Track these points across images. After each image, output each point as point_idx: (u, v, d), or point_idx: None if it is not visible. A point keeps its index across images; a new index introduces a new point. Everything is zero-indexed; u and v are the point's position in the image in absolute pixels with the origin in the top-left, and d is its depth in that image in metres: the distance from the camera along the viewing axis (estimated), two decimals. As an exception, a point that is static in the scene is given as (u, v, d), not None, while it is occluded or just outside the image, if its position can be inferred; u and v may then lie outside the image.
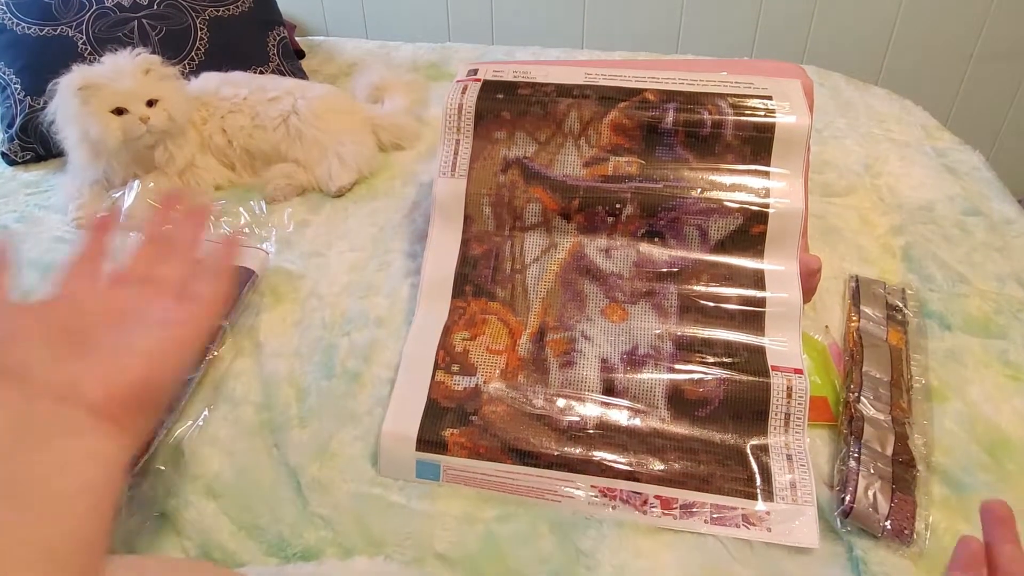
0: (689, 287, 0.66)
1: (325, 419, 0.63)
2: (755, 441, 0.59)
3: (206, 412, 0.64)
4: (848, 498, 0.54)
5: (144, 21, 1.10)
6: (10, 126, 1.04)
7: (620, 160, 0.70)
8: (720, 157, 0.69)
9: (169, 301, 0.45)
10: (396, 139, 1.05)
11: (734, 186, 0.68)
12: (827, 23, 1.57)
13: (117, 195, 0.90)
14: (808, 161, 0.70)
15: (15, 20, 1.07)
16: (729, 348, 0.63)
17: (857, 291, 0.74)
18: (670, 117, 0.70)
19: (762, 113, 0.69)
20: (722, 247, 0.67)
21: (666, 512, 0.56)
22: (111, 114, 0.86)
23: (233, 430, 0.63)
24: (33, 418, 0.36)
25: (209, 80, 1.00)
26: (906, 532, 0.53)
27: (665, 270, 0.67)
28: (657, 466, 0.58)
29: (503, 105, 0.73)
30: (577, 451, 0.58)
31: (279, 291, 0.78)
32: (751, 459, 0.58)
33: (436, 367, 0.64)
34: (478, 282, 0.69)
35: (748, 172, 0.68)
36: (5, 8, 1.08)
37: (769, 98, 0.70)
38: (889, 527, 0.53)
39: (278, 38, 1.22)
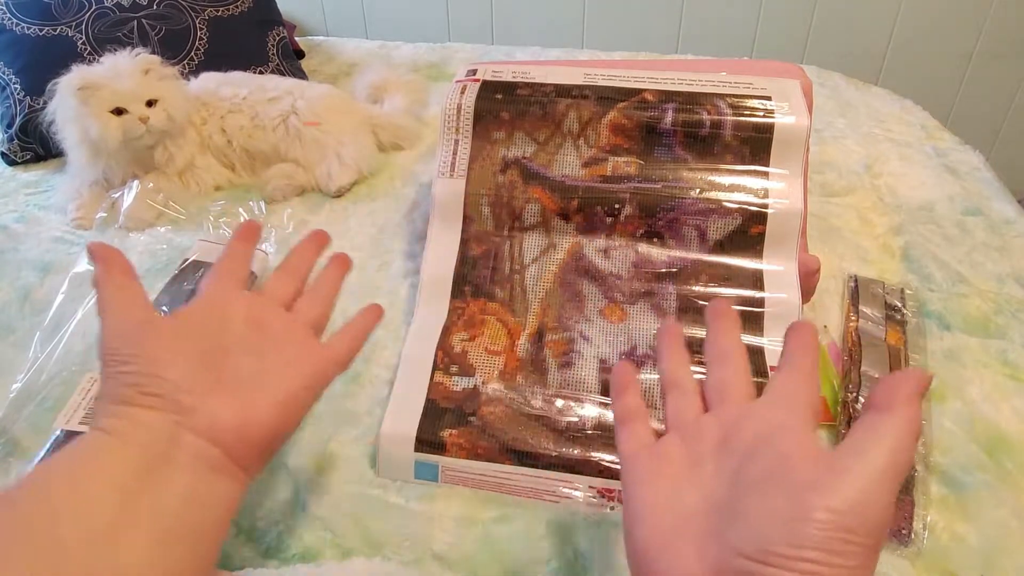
0: (688, 287, 0.66)
1: (324, 420, 0.63)
2: (754, 441, 0.59)
3: (205, 412, 0.64)
4: (846, 498, 0.54)
5: (144, 21, 1.10)
6: (10, 126, 1.04)
7: (619, 160, 0.70)
8: (719, 157, 0.69)
9: (307, 336, 0.45)
10: (396, 139, 1.05)
11: (733, 186, 0.68)
12: (827, 23, 1.57)
13: (116, 195, 0.90)
14: (807, 161, 0.70)
15: (15, 20, 1.07)
16: (728, 348, 0.63)
17: (856, 291, 0.74)
18: (669, 117, 0.70)
19: (761, 113, 0.69)
20: (721, 247, 0.67)
21: (664, 512, 0.56)
22: (111, 114, 0.86)
23: (232, 430, 0.63)
24: (174, 448, 0.36)
25: (209, 80, 1.00)
26: (904, 532, 0.53)
27: (664, 270, 0.67)
28: (656, 466, 0.58)
29: (502, 105, 0.73)
30: (576, 452, 0.58)
31: (278, 291, 0.78)
32: (750, 459, 0.58)
33: (435, 368, 0.64)
34: (477, 282, 0.69)
35: (747, 172, 0.68)
36: (5, 8, 1.08)
37: (768, 98, 0.70)
38: (887, 527, 0.53)
39: (278, 38, 1.22)
